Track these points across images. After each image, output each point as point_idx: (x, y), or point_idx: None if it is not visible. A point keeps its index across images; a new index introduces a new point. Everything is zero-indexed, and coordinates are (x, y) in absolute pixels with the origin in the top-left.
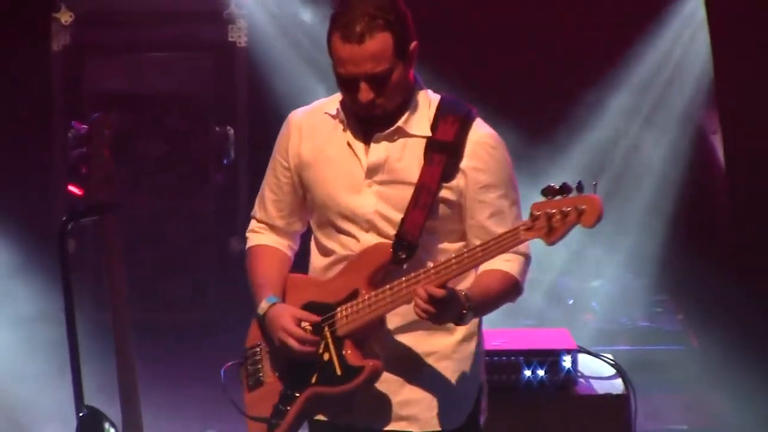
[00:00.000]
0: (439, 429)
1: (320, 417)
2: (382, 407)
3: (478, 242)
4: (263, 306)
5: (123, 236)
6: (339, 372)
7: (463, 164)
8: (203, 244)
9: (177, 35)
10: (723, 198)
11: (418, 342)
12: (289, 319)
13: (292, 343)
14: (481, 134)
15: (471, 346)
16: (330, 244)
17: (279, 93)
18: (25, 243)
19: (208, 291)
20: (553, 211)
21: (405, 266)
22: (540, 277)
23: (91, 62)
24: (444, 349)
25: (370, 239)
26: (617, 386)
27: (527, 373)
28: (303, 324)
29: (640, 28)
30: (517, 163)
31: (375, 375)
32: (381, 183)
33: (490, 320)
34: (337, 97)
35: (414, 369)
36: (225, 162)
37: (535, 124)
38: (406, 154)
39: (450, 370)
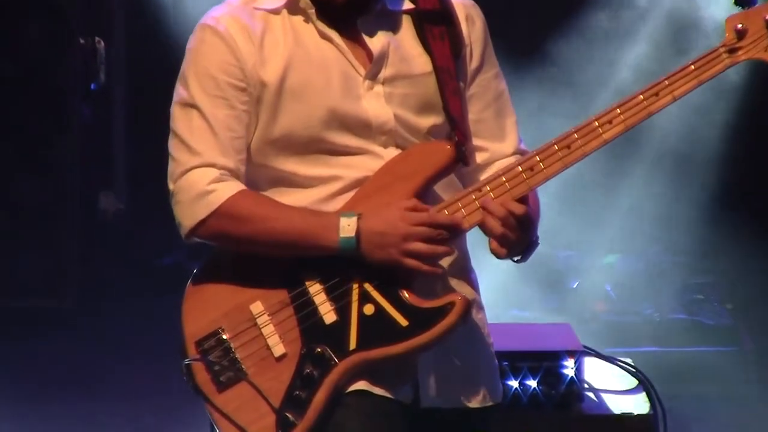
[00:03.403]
0: (499, 401)
1: (366, 387)
2: (451, 377)
3: (478, 142)
4: (347, 224)
5: None
6: (405, 322)
7: (465, 33)
8: (64, 204)
9: None
10: None
11: (462, 288)
12: (407, 218)
13: (445, 235)
14: None
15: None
16: (325, 171)
17: None
18: None
19: (69, 270)
20: None
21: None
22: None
23: None
24: (478, 297)
25: (392, 154)
26: (639, 403)
27: (513, 384)
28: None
29: None
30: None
31: (469, 309)
32: (386, 81)
33: None
34: None
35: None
36: (93, 87)
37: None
38: (401, 38)
39: (485, 323)
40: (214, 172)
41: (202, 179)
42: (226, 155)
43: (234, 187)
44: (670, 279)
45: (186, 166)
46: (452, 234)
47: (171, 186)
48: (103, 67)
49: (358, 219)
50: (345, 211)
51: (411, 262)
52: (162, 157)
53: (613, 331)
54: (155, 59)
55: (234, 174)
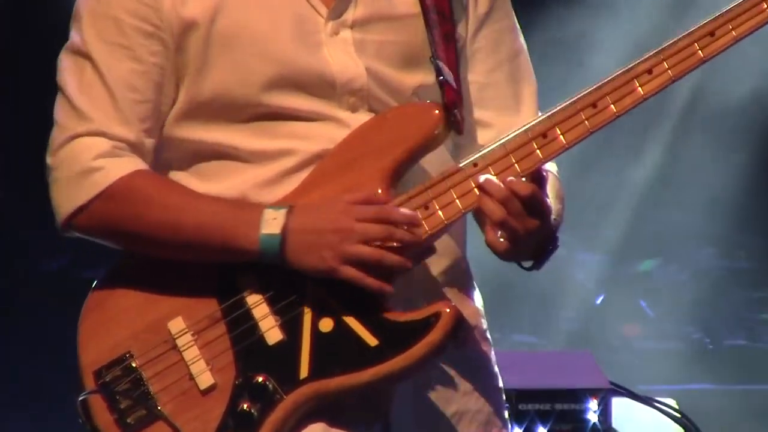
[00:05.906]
0: None
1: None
2: (438, 421)
3: (481, 114)
4: (272, 217)
5: None
6: (375, 340)
7: None
8: None
9: None
10: None
11: (463, 306)
12: (349, 212)
13: (401, 236)
14: None
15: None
16: (272, 143)
17: None
18: None
19: None
20: None
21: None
22: None
23: None
24: (481, 321)
25: (362, 121)
26: None
27: None
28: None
29: None
30: None
31: (461, 323)
32: (356, 25)
33: None
34: None
35: (458, 357)
36: None
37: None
38: None
39: (491, 358)
40: (104, 144)
41: (89, 151)
42: (125, 123)
43: (129, 164)
44: (725, 292)
45: (69, 134)
46: (415, 238)
47: (48, 159)
48: None
49: (288, 212)
50: (289, 197)
51: (349, 272)
52: (47, 131)
53: (651, 362)
54: None
55: (134, 149)
